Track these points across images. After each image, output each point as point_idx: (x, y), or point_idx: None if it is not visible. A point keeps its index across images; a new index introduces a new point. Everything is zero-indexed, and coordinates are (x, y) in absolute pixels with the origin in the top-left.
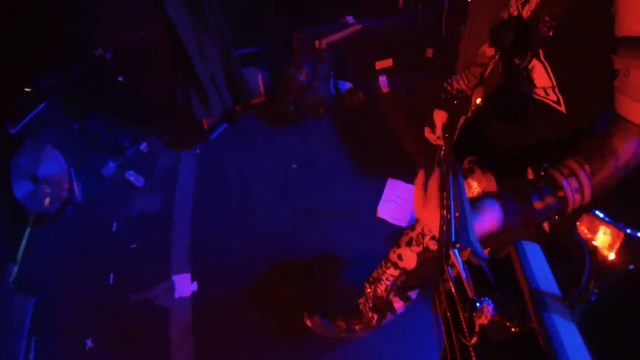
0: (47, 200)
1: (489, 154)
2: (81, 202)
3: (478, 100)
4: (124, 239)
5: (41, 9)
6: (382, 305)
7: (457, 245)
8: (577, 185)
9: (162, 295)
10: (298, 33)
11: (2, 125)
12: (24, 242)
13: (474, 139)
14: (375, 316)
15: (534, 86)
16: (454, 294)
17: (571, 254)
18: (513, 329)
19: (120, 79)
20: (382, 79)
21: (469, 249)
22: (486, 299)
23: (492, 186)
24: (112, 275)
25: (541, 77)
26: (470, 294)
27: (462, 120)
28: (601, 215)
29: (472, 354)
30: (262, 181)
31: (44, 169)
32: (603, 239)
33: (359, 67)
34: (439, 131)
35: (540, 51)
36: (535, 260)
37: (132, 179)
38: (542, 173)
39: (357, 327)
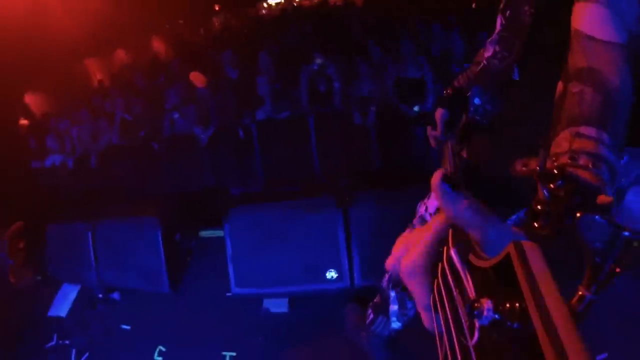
0: None
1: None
2: None
3: (476, 101)
4: None
5: None
6: (381, 301)
7: (457, 245)
8: (590, 161)
9: None
10: None
11: None
12: None
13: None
14: (372, 315)
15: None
16: (454, 294)
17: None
18: (513, 330)
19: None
20: None
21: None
22: (486, 299)
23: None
24: None
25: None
26: (470, 294)
27: (464, 119)
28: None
29: (473, 354)
30: None
31: None
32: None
33: None
34: (439, 128)
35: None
36: (534, 260)
37: None
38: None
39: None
